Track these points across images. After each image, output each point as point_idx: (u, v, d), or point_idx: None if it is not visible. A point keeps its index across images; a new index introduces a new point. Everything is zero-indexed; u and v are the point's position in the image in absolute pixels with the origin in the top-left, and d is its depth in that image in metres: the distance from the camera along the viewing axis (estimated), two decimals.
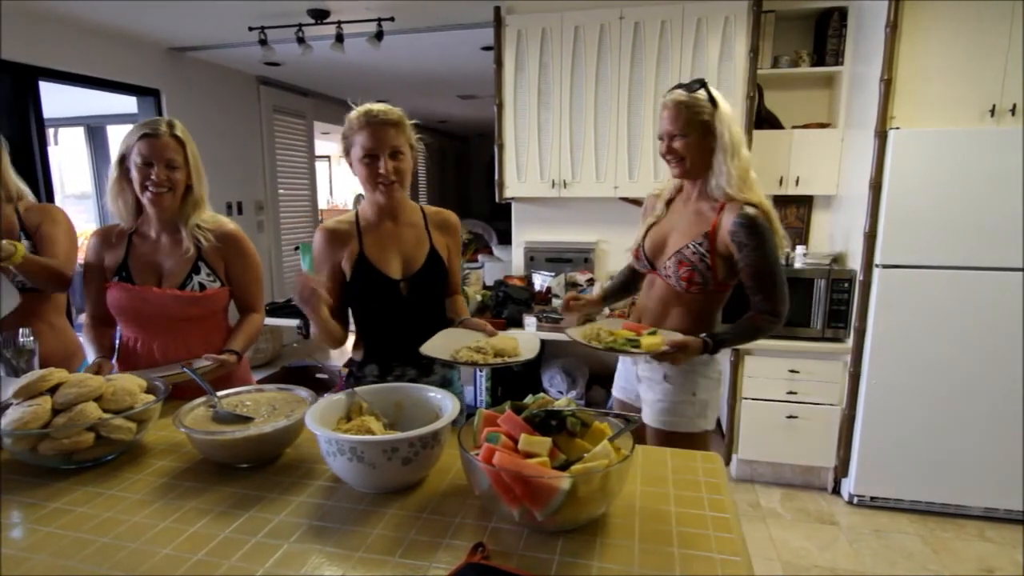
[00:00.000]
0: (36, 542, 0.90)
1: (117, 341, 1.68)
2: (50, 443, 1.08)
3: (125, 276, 1.57)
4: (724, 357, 3.00)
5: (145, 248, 1.60)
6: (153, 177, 1.50)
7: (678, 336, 1.53)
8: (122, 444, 1.16)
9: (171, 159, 1.52)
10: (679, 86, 1.61)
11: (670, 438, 1.59)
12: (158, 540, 0.90)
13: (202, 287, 1.60)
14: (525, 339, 1.47)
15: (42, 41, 3.28)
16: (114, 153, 1.56)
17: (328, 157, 11.24)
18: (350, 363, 1.62)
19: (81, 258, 1.77)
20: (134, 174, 1.51)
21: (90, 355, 1.60)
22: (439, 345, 1.41)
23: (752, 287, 1.59)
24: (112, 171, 1.55)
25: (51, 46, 3.33)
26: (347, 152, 1.48)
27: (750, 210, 1.52)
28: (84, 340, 1.62)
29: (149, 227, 1.61)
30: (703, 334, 1.56)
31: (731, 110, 1.58)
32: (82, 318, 1.87)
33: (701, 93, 1.57)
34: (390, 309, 1.54)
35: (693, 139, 1.55)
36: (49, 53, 3.33)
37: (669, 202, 1.74)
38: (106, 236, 1.61)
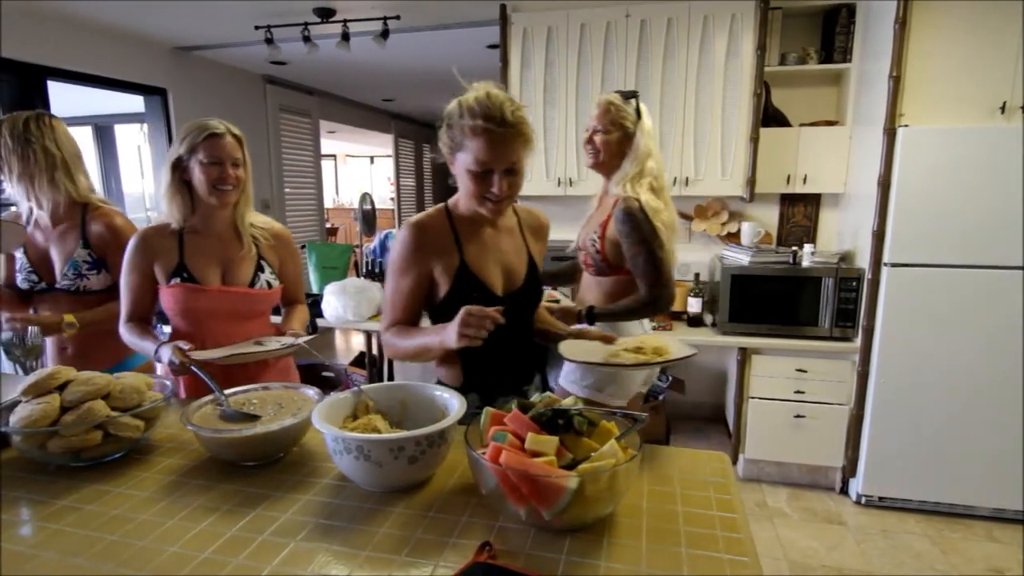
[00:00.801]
0: (44, 539, 0.91)
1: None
2: (59, 441, 1.09)
3: (187, 276, 1.55)
4: (726, 354, 2.98)
5: (203, 248, 1.59)
6: (223, 175, 1.52)
7: (560, 303, 1.80)
8: (129, 442, 1.16)
9: (236, 158, 1.54)
10: (616, 92, 1.82)
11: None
12: (165, 538, 0.90)
13: (269, 285, 1.65)
14: (670, 339, 1.41)
15: (49, 41, 3.30)
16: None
17: (334, 156, 11.27)
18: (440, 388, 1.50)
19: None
20: (199, 175, 1.51)
21: (144, 349, 1.55)
22: (578, 352, 1.32)
23: (633, 271, 1.76)
24: (166, 174, 1.54)
25: (58, 46, 3.35)
26: (451, 150, 1.25)
27: (630, 203, 1.71)
28: (127, 339, 1.59)
29: (204, 227, 1.60)
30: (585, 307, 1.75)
31: (651, 125, 1.81)
32: None
33: (632, 103, 1.78)
34: (494, 329, 1.29)
35: (612, 138, 1.77)
36: (56, 53, 3.35)
37: (600, 201, 1.93)
38: (154, 237, 1.57)
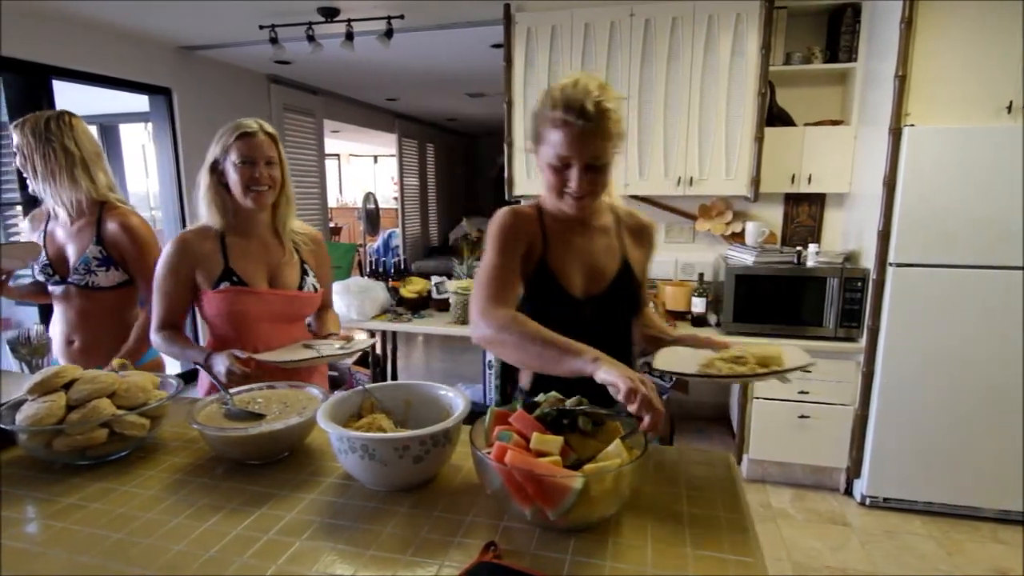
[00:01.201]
0: (51, 537, 0.91)
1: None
2: (64, 439, 1.09)
3: (236, 280, 1.52)
4: None
5: (247, 252, 1.56)
6: (256, 175, 1.48)
7: None
8: (135, 440, 1.16)
9: (270, 156, 1.51)
10: None
11: None
12: (171, 537, 0.90)
13: (315, 288, 1.65)
14: (788, 348, 1.23)
15: (54, 40, 3.31)
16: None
17: (338, 155, 11.28)
18: (514, 389, 1.40)
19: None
20: (233, 176, 1.48)
21: (188, 357, 1.50)
22: (672, 361, 1.22)
23: None
24: (204, 177, 1.51)
25: (64, 45, 3.36)
26: (535, 141, 1.21)
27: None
28: (164, 349, 1.53)
29: (245, 231, 1.57)
30: None
31: None
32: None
33: None
34: (566, 334, 1.17)
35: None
36: (62, 52, 3.36)
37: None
38: (196, 241, 1.53)
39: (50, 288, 1.83)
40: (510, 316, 1.13)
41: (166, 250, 1.52)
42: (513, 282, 1.21)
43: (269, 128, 1.53)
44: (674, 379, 1.30)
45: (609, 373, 0.96)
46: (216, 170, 1.51)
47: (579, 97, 1.09)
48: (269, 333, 1.57)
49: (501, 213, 1.26)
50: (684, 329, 2.97)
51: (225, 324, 1.55)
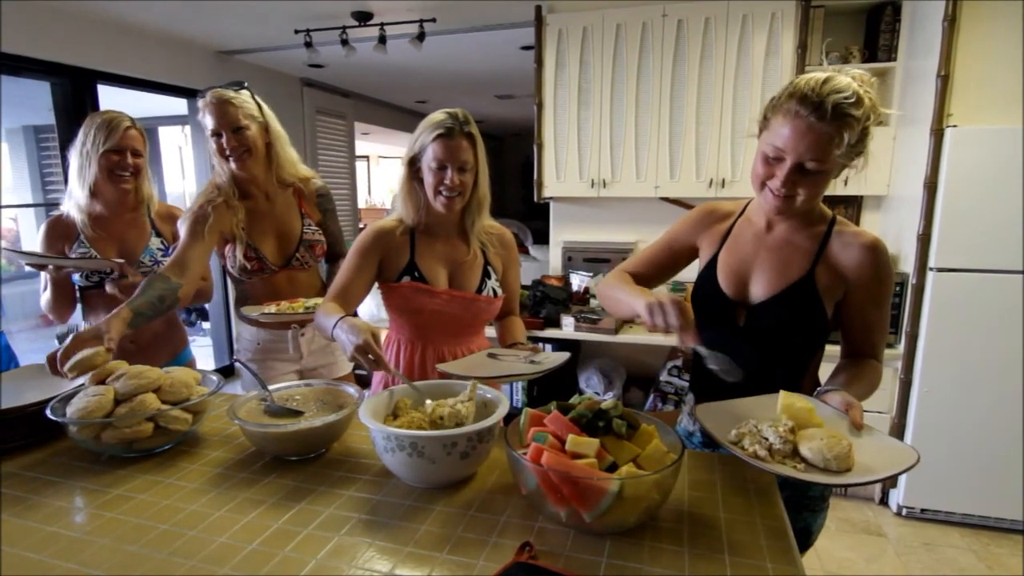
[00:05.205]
0: (99, 527, 0.94)
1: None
2: (112, 432, 1.13)
3: (418, 276, 1.48)
4: None
5: (432, 249, 1.51)
6: (447, 182, 1.39)
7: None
8: (179, 434, 1.19)
9: (464, 161, 1.40)
10: (221, 88, 1.82)
11: None
12: (214, 529, 0.93)
13: (495, 293, 1.56)
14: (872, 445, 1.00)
15: (100, 45, 3.42)
16: (402, 152, 1.46)
17: (367, 157, 11.43)
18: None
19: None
20: (428, 177, 1.42)
21: (328, 324, 1.29)
22: (717, 415, 1.06)
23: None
24: (402, 170, 1.47)
25: (108, 50, 3.47)
26: (760, 127, 1.13)
27: (323, 184, 1.92)
28: (318, 318, 1.35)
29: (433, 227, 1.52)
30: None
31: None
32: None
33: (244, 93, 1.82)
34: (723, 337, 1.19)
35: (256, 132, 1.79)
36: (106, 57, 3.47)
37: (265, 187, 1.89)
38: (391, 232, 1.49)
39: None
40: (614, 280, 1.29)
41: (362, 234, 1.49)
42: (653, 264, 1.33)
43: (469, 126, 1.41)
44: None
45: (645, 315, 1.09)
46: (413, 165, 1.45)
47: (822, 94, 0.99)
48: (446, 335, 1.52)
49: (700, 207, 1.31)
50: None
51: (403, 320, 1.52)
